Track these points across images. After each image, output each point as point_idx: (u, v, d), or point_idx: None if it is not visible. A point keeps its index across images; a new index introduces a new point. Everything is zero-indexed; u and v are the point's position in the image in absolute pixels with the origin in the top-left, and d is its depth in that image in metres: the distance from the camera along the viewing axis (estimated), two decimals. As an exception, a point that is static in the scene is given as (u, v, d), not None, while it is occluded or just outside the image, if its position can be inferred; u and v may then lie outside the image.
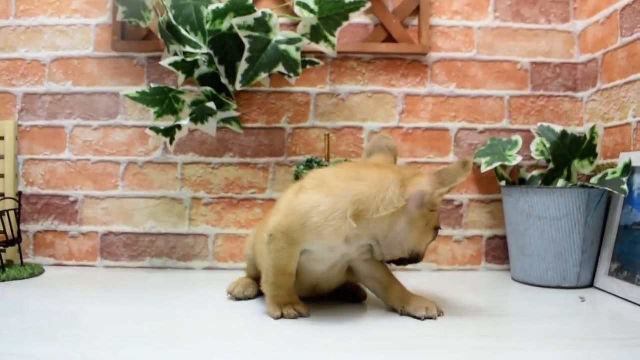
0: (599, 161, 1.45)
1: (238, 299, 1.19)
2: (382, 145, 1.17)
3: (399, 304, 1.08)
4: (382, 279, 1.11)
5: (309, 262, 1.06)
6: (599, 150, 1.39)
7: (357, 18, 1.58)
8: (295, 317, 1.03)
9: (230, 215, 1.57)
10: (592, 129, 1.37)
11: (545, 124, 1.47)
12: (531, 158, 1.56)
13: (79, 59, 1.60)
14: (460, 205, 1.59)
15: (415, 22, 1.59)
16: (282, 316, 1.03)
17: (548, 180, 1.42)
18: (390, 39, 1.58)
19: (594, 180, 1.36)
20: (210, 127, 1.43)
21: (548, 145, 1.43)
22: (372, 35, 1.58)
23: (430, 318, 1.04)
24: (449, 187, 1.00)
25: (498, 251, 1.60)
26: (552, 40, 1.62)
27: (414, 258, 1.09)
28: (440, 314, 1.05)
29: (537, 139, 1.51)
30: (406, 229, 1.03)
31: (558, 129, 1.43)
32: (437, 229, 1.10)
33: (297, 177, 1.38)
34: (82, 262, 1.59)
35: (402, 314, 1.06)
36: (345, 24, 1.43)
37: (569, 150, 1.40)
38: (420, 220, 1.03)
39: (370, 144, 1.20)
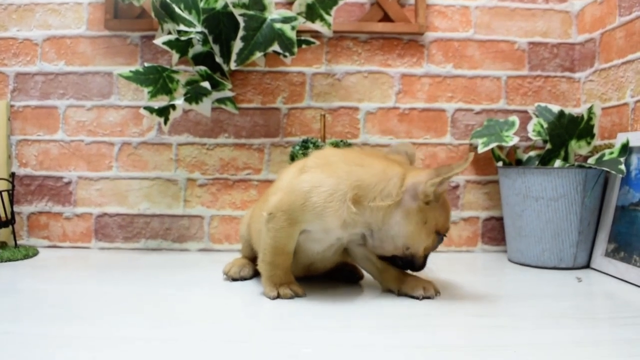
0: (596, 142, 1.44)
1: (234, 279, 1.19)
2: (400, 149, 1.17)
3: (396, 285, 1.07)
4: (378, 261, 1.10)
5: (307, 241, 1.05)
6: (596, 130, 1.38)
7: (353, -3, 1.56)
8: (291, 297, 1.03)
9: (225, 197, 1.56)
10: (590, 109, 1.37)
11: (543, 104, 1.46)
12: (528, 139, 1.56)
13: (72, 38, 1.58)
14: (456, 187, 1.58)
15: (412, 1, 1.57)
16: (279, 296, 1.02)
17: (545, 160, 1.41)
18: (386, 18, 1.56)
19: (591, 161, 1.35)
20: (204, 107, 1.42)
21: (545, 126, 1.42)
22: (368, 15, 1.56)
23: (428, 297, 1.03)
24: (443, 177, 0.98)
25: (494, 232, 1.59)
26: (549, 19, 1.60)
27: (408, 259, 1.06)
28: (438, 293, 1.05)
29: (534, 120, 1.50)
30: (400, 222, 1.01)
31: (555, 108, 1.42)
32: (440, 234, 1.06)
33: (293, 158, 1.36)
34: (77, 244, 1.58)
35: (399, 294, 1.06)
36: (341, 2, 1.41)
37: (566, 131, 1.40)
38: (415, 215, 1.01)
39: (389, 148, 1.21)
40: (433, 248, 1.07)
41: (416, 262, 1.07)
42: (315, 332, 0.84)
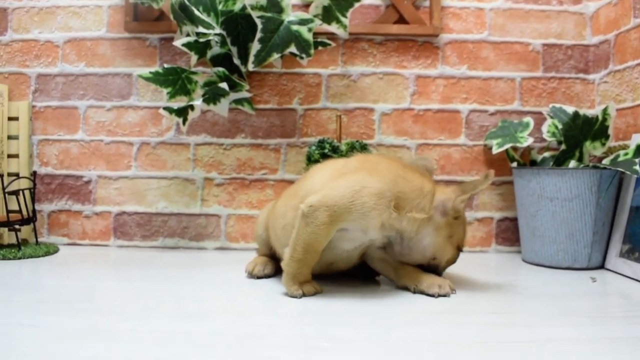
0: (611, 143, 1.44)
1: (259, 277, 1.20)
2: (419, 163, 1.21)
3: (411, 282, 1.09)
4: (392, 260, 1.12)
5: (340, 239, 1.07)
6: (611, 131, 1.39)
7: (369, -1, 1.58)
8: (314, 294, 1.05)
9: (242, 196, 1.59)
10: (604, 110, 1.37)
11: (557, 105, 1.47)
12: (542, 140, 1.57)
13: (92, 40, 1.61)
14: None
15: (427, 3, 1.59)
16: (303, 293, 1.04)
17: (559, 161, 1.42)
18: (401, 20, 1.57)
19: (605, 162, 1.36)
20: (222, 107, 1.44)
21: (560, 127, 1.43)
22: (383, 17, 1.58)
23: (444, 295, 1.05)
24: (470, 193, 1.07)
25: (508, 233, 1.60)
26: (563, 21, 1.61)
27: (432, 268, 1.13)
28: (453, 291, 1.06)
29: (549, 121, 1.51)
30: (431, 234, 1.08)
31: (570, 110, 1.43)
32: (459, 249, 1.14)
33: (309, 158, 1.38)
34: (96, 242, 1.61)
35: (414, 292, 1.08)
36: (357, 5, 1.43)
37: (580, 132, 1.40)
38: (444, 229, 1.08)
39: (409, 160, 1.23)
40: (453, 261, 1.15)
41: (439, 272, 1.14)
42: (334, 327, 0.85)
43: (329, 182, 1.05)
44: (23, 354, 0.70)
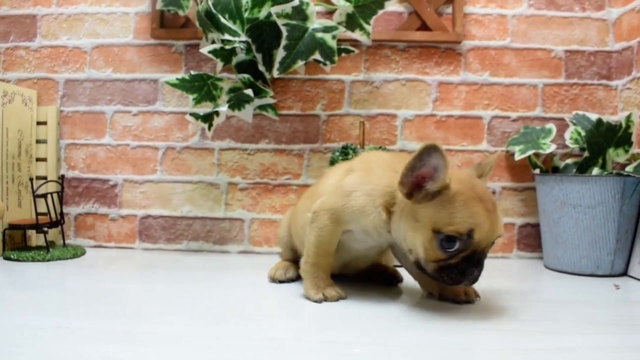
0: (634, 149, 1.44)
1: (281, 282, 1.22)
2: (478, 167, 1.06)
3: (437, 289, 1.09)
4: None
5: (350, 240, 1.09)
6: (634, 138, 1.38)
7: (392, 6, 1.59)
8: (337, 300, 1.05)
9: (265, 200, 1.61)
10: (628, 117, 1.37)
11: (580, 112, 1.47)
12: (564, 146, 1.57)
13: (119, 47, 1.64)
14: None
15: (449, 10, 1.60)
16: (325, 298, 1.04)
17: (582, 168, 1.42)
18: (424, 27, 1.59)
19: (629, 169, 1.36)
20: (246, 113, 1.46)
21: (583, 134, 1.43)
22: (406, 24, 1.59)
23: (469, 302, 1.05)
24: (402, 173, 0.92)
25: (530, 239, 1.60)
26: (586, 28, 1.61)
27: (418, 263, 0.96)
28: (478, 298, 1.07)
29: (572, 127, 1.51)
30: (397, 223, 0.97)
31: (593, 117, 1.44)
32: (438, 232, 0.90)
33: (333, 164, 1.40)
34: (121, 244, 1.63)
35: (439, 299, 1.08)
36: (380, 12, 1.44)
37: (604, 139, 1.40)
38: (408, 215, 0.94)
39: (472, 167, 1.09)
40: (436, 256, 0.92)
41: (426, 269, 0.94)
42: (360, 332, 0.86)
43: (335, 184, 1.06)
44: (52, 355, 0.72)
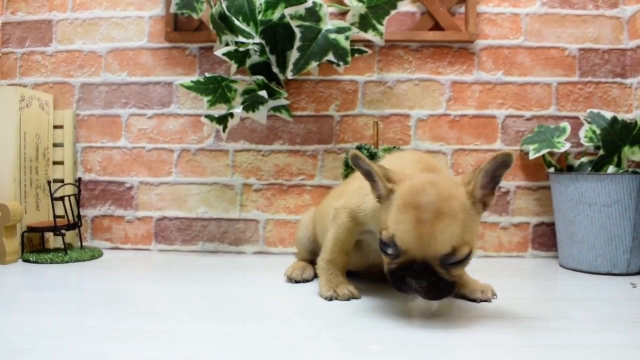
0: (650, 148, 1.44)
1: (297, 282, 1.23)
2: None
3: None
4: None
5: (372, 240, 1.10)
6: (650, 136, 1.38)
7: (405, 7, 1.60)
8: (348, 299, 1.05)
9: (280, 202, 1.61)
10: (644, 115, 1.37)
11: (595, 111, 1.47)
12: (579, 145, 1.56)
13: (134, 50, 1.65)
14: (507, 192, 1.60)
15: (462, 9, 1.60)
16: (337, 296, 1.05)
17: (598, 167, 1.42)
18: (437, 27, 1.59)
19: (645, 167, 1.35)
20: (261, 115, 1.47)
21: (598, 132, 1.43)
22: (419, 24, 1.59)
23: (486, 301, 1.06)
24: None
25: (545, 238, 1.60)
26: (600, 26, 1.61)
27: None
28: (495, 296, 1.07)
29: (586, 126, 1.51)
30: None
31: (608, 115, 1.43)
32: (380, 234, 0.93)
33: (347, 164, 1.41)
34: (138, 246, 1.65)
35: (456, 296, 1.09)
36: (393, 12, 1.44)
37: (619, 137, 1.40)
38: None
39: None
40: (391, 259, 0.90)
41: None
42: (378, 330, 0.87)
43: (358, 185, 1.08)
44: (73, 355, 0.74)
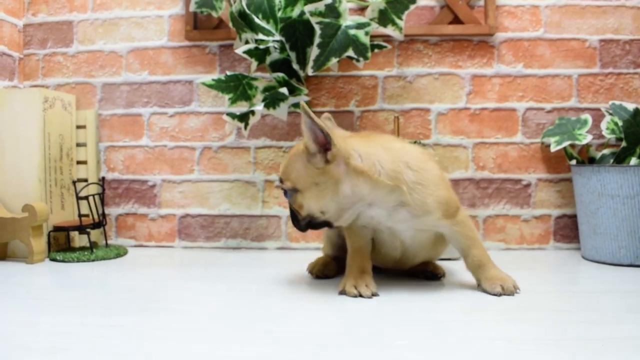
0: (673, 138, 1.43)
1: (318, 277, 1.24)
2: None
3: (475, 274, 1.11)
4: (460, 244, 1.12)
5: (382, 235, 1.14)
6: (673, 127, 1.37)
7: (424, 1, 1.60)
8: (355, 295, 1.06)
9: (301, 197, 1.62)
10: (667, 106, 1.36)
11: (617, 102, 1.46)
12: (600, 136, 1.56)
13: (154, 49, 1.67)
14: (528, 185, 1.60)
15: (482, 2, 1.59)
16: (345, 292, 1.08)
17: (620, 158, 1.41)
18: (456, 20, 1.59)
19: (668, 158, 1.35)
20: (281, 111, 1.48)
21: (620, 124, 1.42)
22: (438, 17, 1.59)
23: (507, 294, 1.06)
24: None
25: (566, 230, 1.60)
26: (621, 16, 1.60)
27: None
28: (517, 290, 1.07)
29: (608, 117, 1.50)
30: None
31: (630, 106, 1.42)
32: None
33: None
34: (161, 243, 1.67)
35: (478, 287, 1.10)
36: (412, 7, 1.44)
37: (641, 128, 1.39)
38: None
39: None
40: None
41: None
42: (404, 326, 0.88)
43: None
44: (107, 353, 0.75)
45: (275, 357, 0.73)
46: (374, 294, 1.07)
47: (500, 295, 1.06)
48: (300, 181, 1.06)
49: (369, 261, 1.13)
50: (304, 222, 1.10)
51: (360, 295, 1.06)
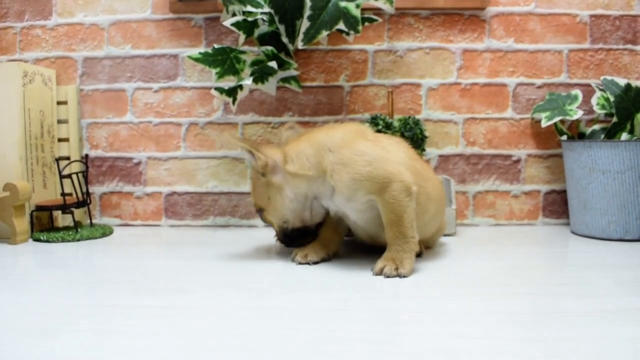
0: (663, 113, 1.43)
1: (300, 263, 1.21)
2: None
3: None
4: (384, 218, 1.09)
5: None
6: (664, 102, 1.38)
7: (414, -27, 1.57)
8: (299, 262, 1.14)
9: (290, 174, 1.60)
10: (658, 81, 1.36)
11: (609, 77, 1.46)
12: (590, 112, 1.56)
13: (137, 22, 1.62)
14: (518, 161, 1.59)
15: (472, -24, 1.57)
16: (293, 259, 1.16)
17: (611, 134, 1.42)
18: (447, -7, 1.56)
19: (659, 133, 1.35)
20: (270, 86, 1.45)
21: (611, 99, 1.42)
22: (429, -9, 1.57)
23: (385, 276, 1.03)
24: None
25: (555, 206, 1.60)
26: (611, -9, 1.59)
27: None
28: (401, 276, 1.03)
29: (598, 93, 1.50)
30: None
31: (622, 82, 1.42)
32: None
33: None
34: (147, 222, 1.64)
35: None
36: (403, -21, 1.42)
37: (632, 104, 1.39)
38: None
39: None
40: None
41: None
42: (406, 301, 0.87)
43: None
44: (96, 332, 0.73)
45: (269, 334, 0.72)
46: (308, 262, 1.13)
47: (375, 275, 1.04)
48: (261, 199, 1.17)
49: (330, 234, 1.18)
50: (280, 236, 1.20)
51: (300, 263, 1.13)
